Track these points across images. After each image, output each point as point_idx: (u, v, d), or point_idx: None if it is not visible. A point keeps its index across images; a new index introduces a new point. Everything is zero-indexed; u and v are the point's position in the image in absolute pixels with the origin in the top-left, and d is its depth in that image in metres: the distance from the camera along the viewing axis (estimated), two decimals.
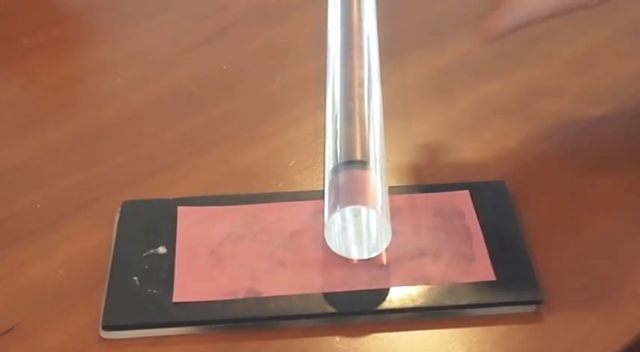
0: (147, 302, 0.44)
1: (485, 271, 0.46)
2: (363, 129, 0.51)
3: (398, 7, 0.60)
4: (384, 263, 0.46)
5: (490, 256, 0.47)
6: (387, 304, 0.45)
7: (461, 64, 0.59)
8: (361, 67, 0.55)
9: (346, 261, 0.46)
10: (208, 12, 0.69)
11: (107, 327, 0.44)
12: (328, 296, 0.45)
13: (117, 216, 0.49)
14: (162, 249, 0.47)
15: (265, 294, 0.45)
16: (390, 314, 0.45)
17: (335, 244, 0.46)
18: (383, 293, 0.45)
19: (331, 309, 0.44)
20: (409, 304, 0.44)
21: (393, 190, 0.50)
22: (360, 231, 0.46)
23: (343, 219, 0.46)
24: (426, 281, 0.45)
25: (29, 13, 0.70)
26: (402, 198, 0.50)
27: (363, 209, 0.45)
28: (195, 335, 0.44)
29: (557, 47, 0.63)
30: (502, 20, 0.48)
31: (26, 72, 0.64)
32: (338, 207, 0.45)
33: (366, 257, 0.46)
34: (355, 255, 0.46)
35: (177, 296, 0.45)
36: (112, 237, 0.48)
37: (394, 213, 0.48)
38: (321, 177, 0.51)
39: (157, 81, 0.62)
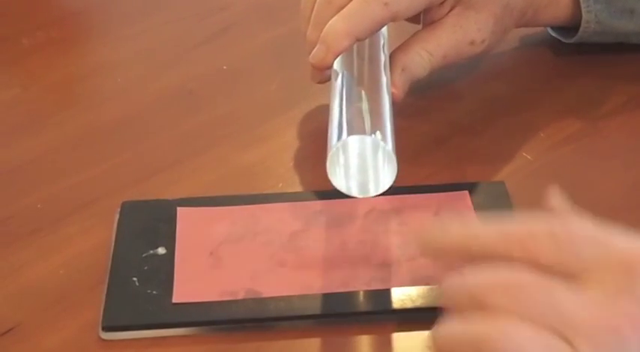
0: (146, 303, 0.44)
1: None
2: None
3: None
4: (384, 263, 0.46)
5: None
6: (387, 304, 0.45)
7: (461, 64, 0.59)
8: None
9: (346, 261, 0.46)
10: (208, 12, 0.69)
11: (107, 328, 0.44)
12: (328, 297, 0.45)
13: (116, 217, 0.49)
14: (161, 250, 0.47)
15: (265, 295, 0.45)
16: (390, 315, 0.45)
17: (339, 180, 0.45)
18: (383, 293, 0.45)
19: (331, 310, 0.44)
20: (409, 305, 0.44)
21: (392, 190, 0.50)
22: (365, 165, 0.46)
23: (345, 151, 0.45)
24: (425, 281, 0.45)
25: (29, 13, 0.70)
26: (402, 199, 0.50)
27: (367, 138, 0.45)
28: (194, 336, 0.44)
29: (557, 47, 0.63)
30: (398, 82, 0.54)
31: (26, 72, 0.64)
32: (343, 137, 0.45)
33: (372, 194, 0.46)
34: (360, 192, 0.46)
35: (177, 297, 0.45)
36: (111, 238, 0.48)
37: (394, 214, 0.48)
38: (321, 178, 0.51)
39: (156, 81, 0.62)
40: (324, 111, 0.56)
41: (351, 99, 0.49)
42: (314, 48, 0.52)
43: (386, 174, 0.46)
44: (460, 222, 0.39)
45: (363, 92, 0.50)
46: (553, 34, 0.63)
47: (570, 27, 0.61)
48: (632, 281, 0.34)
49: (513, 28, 0.59)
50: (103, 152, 0.56)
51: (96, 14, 0.71)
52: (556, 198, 0.41)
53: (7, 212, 0.51)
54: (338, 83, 0.51)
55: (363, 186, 0.46)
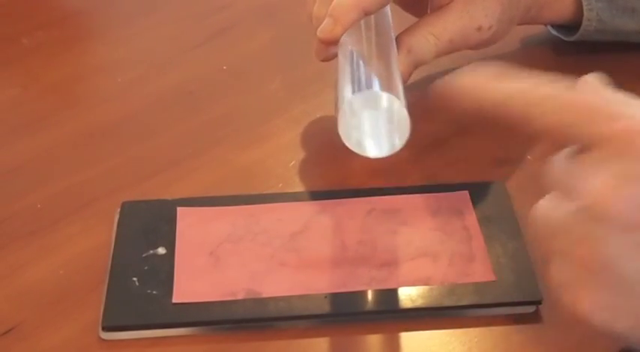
0: (146, 303, 0.44)
1: (485, 271, 0.46)
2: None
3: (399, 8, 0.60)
4: (384, 263, 0.46)
5: (490, 257, 0.47)
6: (386, 305, 0.45)
7: (461, 64, 0.59)
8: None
9: (346, 261, 0.46)
10: (208, 12, 0.69)
11: (107, 328, 0.44)
12: (328, 297, 0.45)
13: (116, 217, 0.49)
14: (161, 250, 0.47)
15: (265, 295, 0.45)
16: (389, 315, 0.45)
17: (350, 137, 0.45)
18: (383, 293, 0.45)
19: (331, 310, 0.44)
20: (409, 305, 0.44)
21: (392, 191, 0.50)
22: (376, 123, 0.45)
23: (355, 110, 0.44)
24: (425, 281, 0.45)
25: (29, 13, 0.70)
26: (402, 199, 0.50)
27: (384, 95, 0.45)
28: (194, 336, 0.44)
29: (558, 46, 0.63)
30: (404, 64, 0.53)
31: (26, 72, 0.64)
32: (357, 90, 0.45)
33: (385, 153, 0.45)
34: (372, 151, 0.45)
35: (177, 297, 0.45)
36: (111, 238, 0.48)
37: (394, 214, 0.48)
38: (321, 177, 0.51)
39: (157, 81, 0.62)
40: (325, 111, 0.56)
41: (361, 67, 0.48)
42: (321, 24, 0.52)
43: (399, 132, 0.45)
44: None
45: (373, 59, 0.49)
46: (554, 32, 0.63)
47: (571, 25, 0.61)
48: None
49: (518, 22, 0.59)
50: (103, 152, 0.56)
51: (96, 14, 0.71)
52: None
53: (7, 212, 0.51)
54: (347, 55, 0.50)
55: (376, 145, 0.45)
